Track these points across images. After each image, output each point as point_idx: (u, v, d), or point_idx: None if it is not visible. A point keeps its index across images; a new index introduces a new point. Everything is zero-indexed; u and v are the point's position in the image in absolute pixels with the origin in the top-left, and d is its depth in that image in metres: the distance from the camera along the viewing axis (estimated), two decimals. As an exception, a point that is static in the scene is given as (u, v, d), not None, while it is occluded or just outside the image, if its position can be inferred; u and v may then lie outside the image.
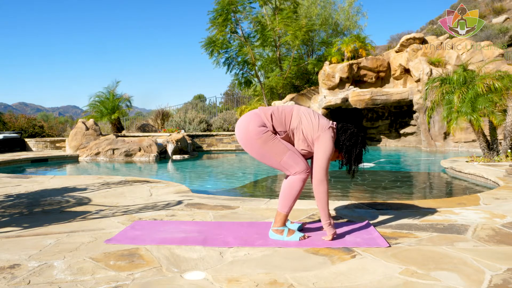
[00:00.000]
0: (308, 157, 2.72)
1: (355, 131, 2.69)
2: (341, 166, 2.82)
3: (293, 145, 2.66)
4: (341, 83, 14.36)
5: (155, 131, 15.11)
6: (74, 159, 10.91)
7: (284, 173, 2.70)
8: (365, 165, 2.87)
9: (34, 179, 5.78)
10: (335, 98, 14.07)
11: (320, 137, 2.55)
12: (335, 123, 2.70)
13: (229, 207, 3.68)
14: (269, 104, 15.94)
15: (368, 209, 3.57)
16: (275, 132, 2.61)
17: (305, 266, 2.13)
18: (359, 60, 14.36)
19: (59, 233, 2.77)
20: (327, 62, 14.86)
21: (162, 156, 10.90)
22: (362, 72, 14.36)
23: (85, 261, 2.20)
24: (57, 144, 13.43)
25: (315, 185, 2.56)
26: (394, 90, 13.64)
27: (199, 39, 20.91)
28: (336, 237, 2.61)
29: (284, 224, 2.63)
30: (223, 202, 3.90)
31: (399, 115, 14.88)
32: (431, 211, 3.41)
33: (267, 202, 3.91)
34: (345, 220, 3.15)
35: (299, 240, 2.57)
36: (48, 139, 13.69)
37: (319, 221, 3.13)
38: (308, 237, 2.64)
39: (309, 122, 2.59)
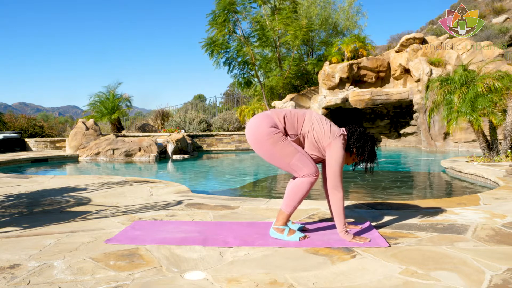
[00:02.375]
0: (318, 162, 2.73)
1: (362, 130, 2.71)
2: (354, 167, 2.83)
3: (303, 149, 2.66)
4: (341, 83, 14.36)
5: (155, 131, 15.11)
6: (74, 159, 10.91)
7: (291, 174, 2.71)
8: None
9: (34, 179, 5.78)
10: (335, 98, 14.07)
11: (332, 145, 2.56)
12: (344, 129, 2.70)
13: (229, 207, 3.68)
14: (269, 104, 15.94)
15: (368, 209, 3.57)
16: (286, 134, 2.60)
17: (305, 266, 2.13)
18: (359, 60, 14.36)
19: (59, 233, 2.77)
20: (327, 62, 14.86)
21: (162, 156, 10.90)
22: (362, 72, 14.36)
23: (85, 261, 2.20)
24: (57, 144, 13.43)
25: (330, 192, 2.57)
26: (394, 90, 13.64)
27: (199, 39, 20.91)
28: (336, 237, 2.61)
29: (285, 224, 2.64)
30: (223, 202, 3.90)
31: (399, 115, 14.88)
32: (431, 211, 3.41)
33: (267, 202, 3.91)
34: (346, 220, 3.14)
35: (299, 240, 2.57)
36: (48, 139, 13.69)
37: (319, 221, 3.13)
38: (308, 237, 2.64)
39: (321, 128, 2.59)
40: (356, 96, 13.69)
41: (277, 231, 2.63)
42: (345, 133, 2.67)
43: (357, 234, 2.70)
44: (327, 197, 2.84)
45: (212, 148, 13.93)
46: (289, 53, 17.20)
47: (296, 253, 2.34)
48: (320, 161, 2.73)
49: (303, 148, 2.65)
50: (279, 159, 2.58)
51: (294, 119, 2.62)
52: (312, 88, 16.17)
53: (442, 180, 6.87)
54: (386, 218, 3.17)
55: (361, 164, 2.78)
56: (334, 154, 2.55)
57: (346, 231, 2.56)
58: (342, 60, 14.68)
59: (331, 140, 2.56)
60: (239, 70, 16.68)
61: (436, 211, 3.41)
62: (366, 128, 3.06)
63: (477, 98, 7.31)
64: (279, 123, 2.58)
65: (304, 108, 15.32)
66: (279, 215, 2.64)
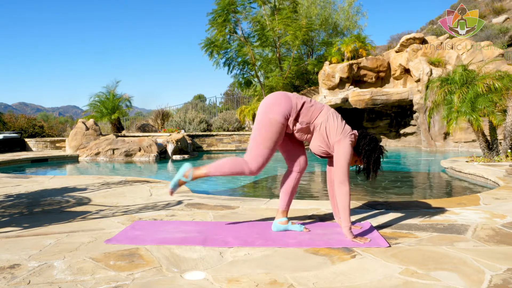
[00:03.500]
0: (324, 156, 2.78)
1: (374, 137, 2.76)
2: (358, 171, 2.85)
3: (310, 140, 2.73)
4: (341, 83, 14.37)
5: (155, 131, 15.11)
6: (74, 159, 10.91)
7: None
8: None
9: (34, 179, 5.78)
10: (335, 98, 14.07)
11: (341, 141, 2.60)
12: (356, 131, 2.75)
13: (229, 207, 3.68)
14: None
15: (368, 209, 3.57)
16: (296, 120, 2.65)
17: (305, 266, 2.13)
18: (359, 60, 14.36)
19: (59, 233, 2.77)
20: (327, 62, 14.86)
21: (162, 156, 10.90)
22: (362, 72, 14.36)
23: (85, 261, 2.20)
24: (57, 144, 13.43)
25: (336, 186, 2.60)
26: (394, 90, 13.64)
27: (199, 39, 20.91)
28: (336, 237, 2.61)
29: (193, 179, 2.70)
30: (223, 202, 3.90)
31: (399, 115, 14.88)
32: (431, 211, 3.41)
33: (267, 202, 3.91)
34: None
35: (170, 189, 2.71)
36: (48, 139, 13.69)
37: (319, 221, 3.13)
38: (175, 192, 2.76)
39: (335, 123, 2.64)
40: (356, 96, 13.69)
41: (185, 172, 2.70)
42: (356, 133, 2.71)
43: (358, 234, 2.70)
44: (331, 195, 2.86)
45: (212, 148, 13.93)
46: (289, 53, 17.19)
47: (296, 253, 2.34)
48: (325, 156, 2.77)
49: (311, 137, 2.72)
50: (258, 134, 2.65)
51: (311, 108, 2.67)
52: (312, 88, 16.17)
53: (442, 180, 6.87)
54: (386, 218, 3.17)
55: (364, 168, 2.78)
56: (343, 150, 2.59)
57: (350, 228, 2.58)
58: (342, 60, 14.68)
59: (341, 137, 2.61)
60: (239, 70, 16.68)
61: (436, 211, 3.41)
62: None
63: (477, 98, 7.31)
64: (294, 108, 2.63)
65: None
66: (201, 168, 2.70)
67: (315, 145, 2.71)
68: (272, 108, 2.65)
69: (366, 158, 2.71)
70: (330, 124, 2.63)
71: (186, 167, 2.71)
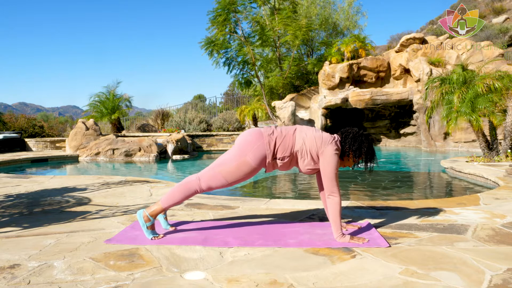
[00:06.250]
0: (314, 172, 2.76)
1: (355, 132, 2.71)
2: (353, 167, 2.83)
3: (297, 166, 2.71)
4: (341, 83, 14.37)
5: (155, 131, 15.11)
6: (74, 159, 10.91)
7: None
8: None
9: (34, 179, 5.78)
10: (335, 98, 14.07)
11: (325, 152, 2.59)
12: (337, 135, 2.71)
13: (229, 207, 3.68)
14: (269, 104, 15.94)
15: (368, 209, 3.57)
16: (275, 160, 2.64)
17: (305, 266, 2.13)
18: (359, 60, 14.36)
19: (59, 233, 2.77)
20: (327, 62, 14.86)
21: (162, 156, 10.90)
22: (362, 72, 14.36)
23: (85, 261, 2.20)
24: (57, 144, 13.43)
25: (327, 197, 2.59)
26: (394, 90, 13.64)
27: (199, 39, 20.90)
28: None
29: (155, 216, 2.68)
30: (223, 202, 3.90)
31: (399, 115, 14.88)
32: (431, 211, 3.41)
33: (267, 202, 3.91)
34: (345, 220, 3.14)
35: (151, 239, 2.61)
36: (48, 139, 13.69)
37: (319, 221, 3.13)
38: (161, 237, 2.67)
39: (312, 139, 2.62)
40: (356, 96, 13.69)
41: (143, 218, 2.66)
42: (337, 139, 2.68)
43: (357, 234, 2.70)
44: (324, 203, 2.84)
45: (212, 148, 13.93)
46: (289, 53, 17.20)
47: (296, 253, 2.34)
48: (315, 172, 2.75)
49: (296, 163, 2.69)
50: (227, 164, 2.64)
51: (285, 139, 2.64)
52: (312, 88, 16.17)
53: (442, 180, 6.87)
54: (386, 218, 3.17)
55: (361, 164, 2.78)
56: (327, 160, 2.58)
57: (343, 235, 2.55)
58: (342, 60, 14.68)
59: (323, 148, 2.59)
60: (239, 70, 16.68)
61: (436, 211, 3.41)
62: (360, 128, 3.06)
63: (477, 98, 7.31)
64: (268, 149, 2.61)
65: (304, 109, 15.32)
66: (154, 205, 2.70)
67: (304, 168, 2.69)
68: (248, 148, 2.62)
69: (359, 156, 2.69)
70: (309, 143, 2.61)
71: (139, 214, 2.69)
